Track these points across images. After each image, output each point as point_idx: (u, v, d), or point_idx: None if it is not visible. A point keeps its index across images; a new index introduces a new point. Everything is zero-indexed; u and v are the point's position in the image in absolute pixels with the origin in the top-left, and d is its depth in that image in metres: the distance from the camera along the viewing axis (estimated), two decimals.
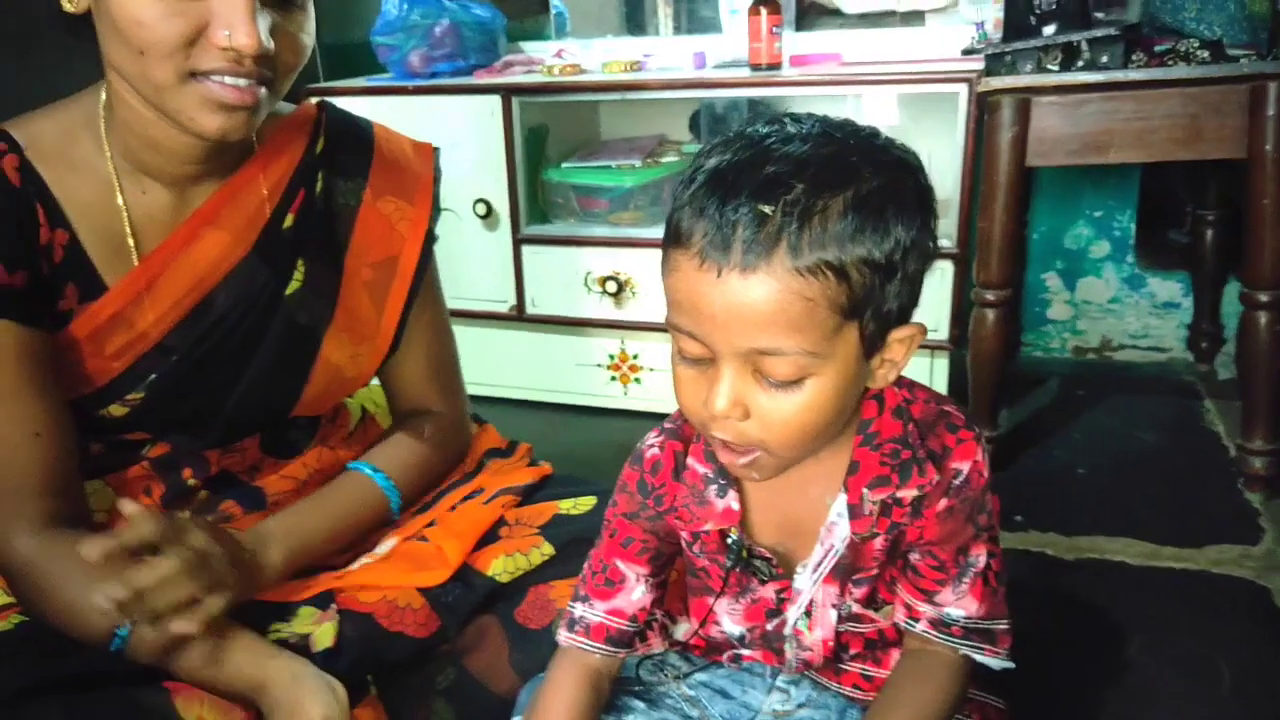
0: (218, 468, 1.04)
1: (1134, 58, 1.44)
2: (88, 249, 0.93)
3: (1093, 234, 2.13)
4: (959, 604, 0.80)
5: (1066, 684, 1.15)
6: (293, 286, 1.01)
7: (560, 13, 2.32)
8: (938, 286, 1.69)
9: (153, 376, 0.95)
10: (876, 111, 1.74)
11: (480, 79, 1.98)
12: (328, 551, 1.01)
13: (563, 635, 0.87)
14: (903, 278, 0.67)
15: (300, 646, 0.91)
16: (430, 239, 1.11)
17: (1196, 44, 1.43)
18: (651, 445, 0.85)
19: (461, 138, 1.89)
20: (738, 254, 0.63)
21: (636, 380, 2.00)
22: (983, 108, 1.48)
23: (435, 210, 1.11)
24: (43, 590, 0.88)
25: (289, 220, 1.00)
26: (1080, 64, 1.42)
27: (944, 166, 1.69)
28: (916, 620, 0.81)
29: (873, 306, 0.67)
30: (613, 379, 2.03)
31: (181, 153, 0.92)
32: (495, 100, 1.88)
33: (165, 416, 0.98)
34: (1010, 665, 0.81)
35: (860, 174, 0.65)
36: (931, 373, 1.76)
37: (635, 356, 1.99)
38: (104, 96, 0.93)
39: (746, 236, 0.63)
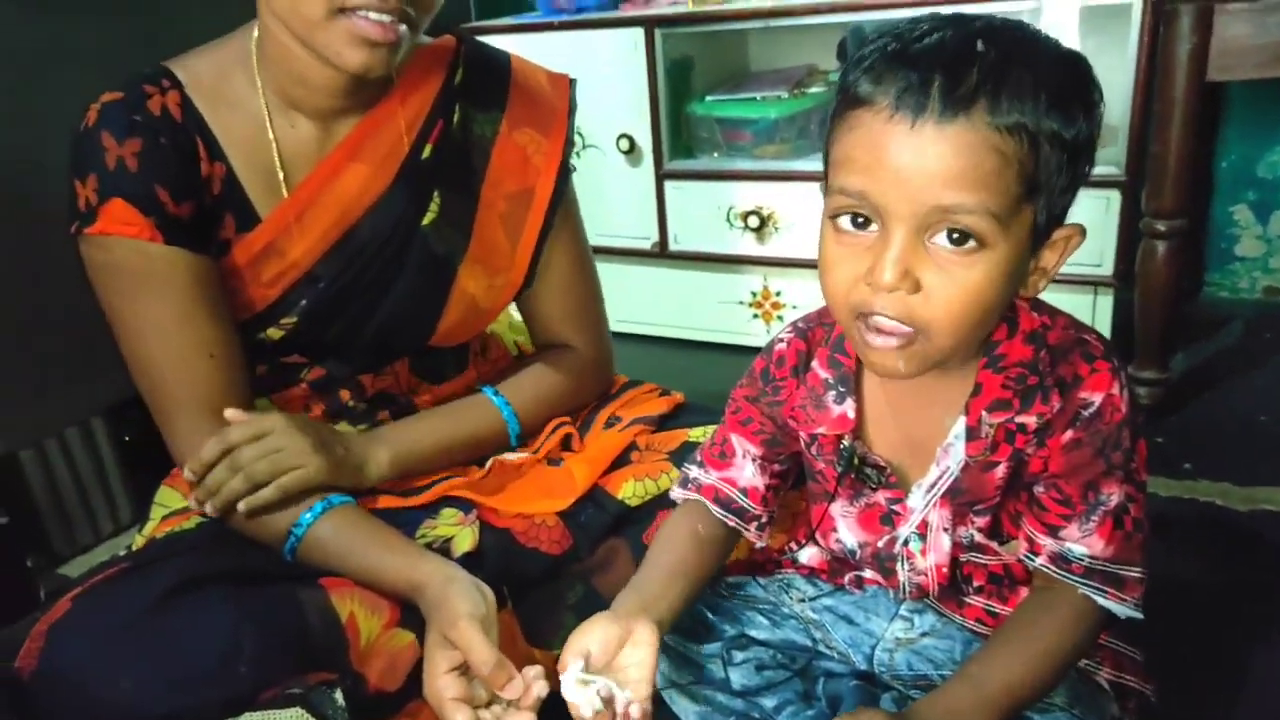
0: (373, 390, 1.10)
1: None
2: (243, 181, 0.99)
3: None
4: (1084, 541, 0.77)
5: (1227, 642, 1.07)
6: (429, 217, 1.05)
7: None
8: (1103, 217, 1.58)
9: (303, 302, 1.02)
10: (1045, 27, 1.62)
11: (625, 12, 1.98)
12: (439, 463, 1.07)
13: (676, 491, 0.93)
14: (1075, 172, 0.67)
15: (442, 550, 0.97)
16: (566, 171, 1.13)
17: None
18: (781, 339, 0.87)
19: (606, 72, 1.90)
20: (936, 104, 0.63)
21: (779, 318, 1.98)
22: (1159, 18, 1.36)
23: (569, 143, 1.13)
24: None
25: (427, 151, 1.04)
26: None
27: (1115, 87, 1.56)
28: (1037, 554, 0.79)
29: (1048, 192, 0.66)
30: (755, 316, 2.01)
31: (326, 86, 0.97)
32: (639, 33, 1.87)
33: (316, 340, 1.05)
34: (1138, 615, 0.77)
35: (1046, 54, 0.67)
36: (1094, 311, 1.65)
37: (778, 294, 1.97)
38: (256, 35, 0.98)
39: (945, 89, 0.63)
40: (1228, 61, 1.32)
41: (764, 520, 0.91)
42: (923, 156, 0.63)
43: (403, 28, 0.90)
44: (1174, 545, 1.20)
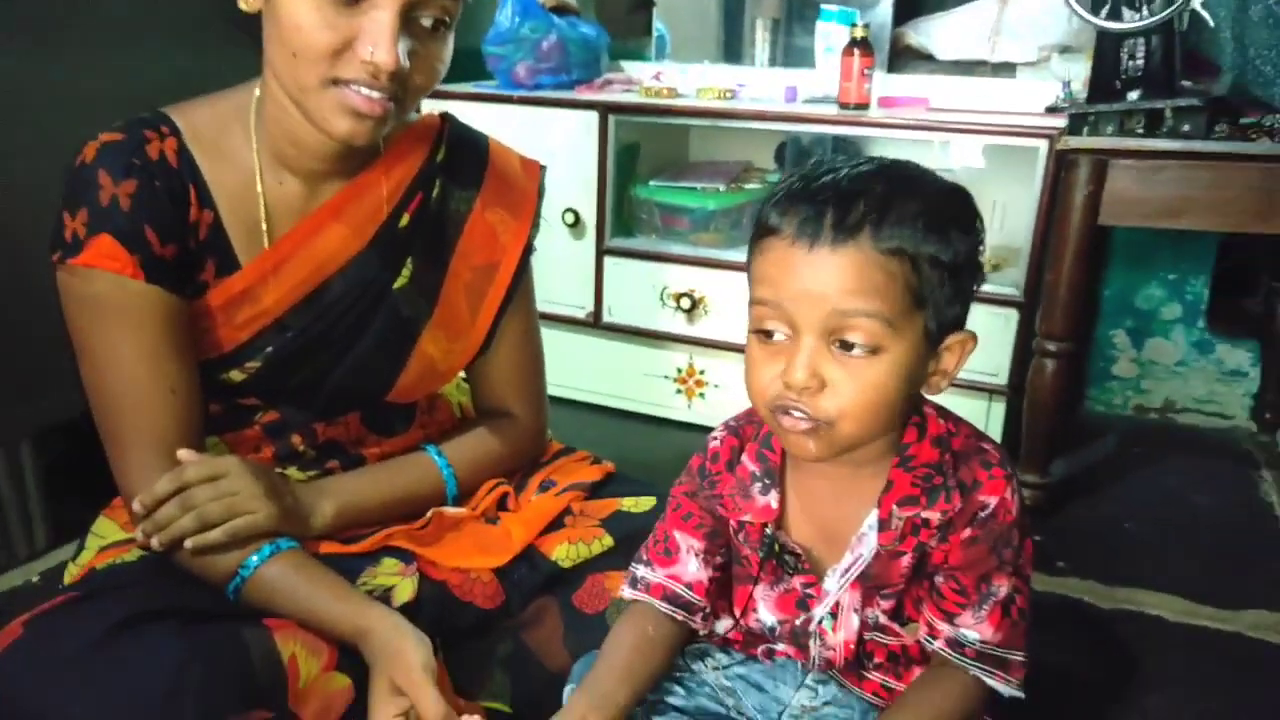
0: (324, 437, 1.14)
1: (1217, 128, 1.48)
2: (228, 229, 1.03)
3: (1165, 295, 2.15)
4: (976, 628, 0.86)
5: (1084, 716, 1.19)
6: (400, 281, 1.11)
7: (661, 36, 2.42)
8: (1001, 332, 1.74)
9: (270, 349, 1.06)
10: (957, 158, 1.80)
11: (581, 94, 2.08)
12: (379, 518, 1.11)
13: (626, 590, 0.98)
14: (958, 287, 0.78)
15: (383, 598, 1.01)
16: (528, 251, 1.20)
17: None
18: (715, 437, 0.96)
19: (558, 148, 2.00)
20: (829, 233, 0.75)
21: (701, 395, 2.08)
22: (1061, 164, 1.53)
23: (535, 225, 1.21)
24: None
25: (404, 220, 1.10)
26: (1165, 130, 1.47)
27: (1019, 217, 1.74)
28: (935, 638, 0.88)
29: (934, 303, 0.77)
30: (678, 391, 2.11)
31: (316, 150, 1.03)
32: (593, 116, 1.98)
33: (276, 385, 1.09)
34: (1019, 695, 0.87)
35: (927, 188, 0.79)
36: (988, 416, 1.80)
37: (702, 372, 2.07)
38: (257, 93, 1.04)
39: (835, 220, 0.75)
40: (1118, 209, 1.50)
41: (707, 611, 0.97)
42: (820, 274, 0.76)
43: (390, 104, 0.96)
44: (1045, 635, 1.32)
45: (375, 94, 0.94)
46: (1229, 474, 1.93)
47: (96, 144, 0.98)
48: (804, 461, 0.88)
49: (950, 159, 1.77)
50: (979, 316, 1.90)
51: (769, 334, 0.80)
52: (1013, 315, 1.73)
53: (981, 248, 0.82)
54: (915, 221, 0.76)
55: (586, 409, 2.16)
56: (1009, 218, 1.87)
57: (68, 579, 1.06)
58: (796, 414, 0.79)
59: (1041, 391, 1.61)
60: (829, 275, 0.76)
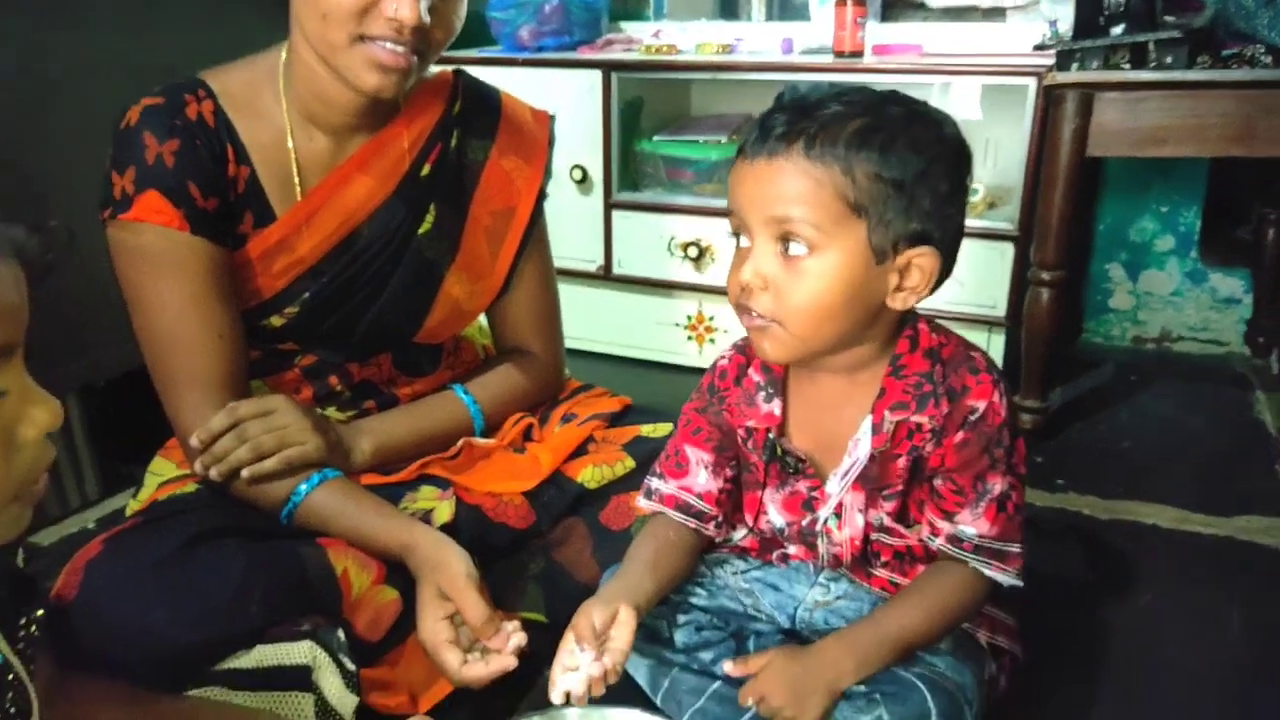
0: (359, 378, 1.23)
1: (1199, 60, 1.53)
2: (263, 183, 1.11)
3: (1158, 228, 2.21)
4: (974, 523, 0.94)
5: (1084, 618, 1.27)
6: (424, 227, 1.19)
7: None
8: (998, 266, 1.80)
9: (306, 294, 1.14)
10: (950, 101, 1.85)
11: (583, 54, 2.14)
12: (414, 454, 1.19)
13: (642, 501, 1.06)
14: (911, 202, 0.84)
15: (423, 520, 1.10)
16: (542, 195, 1.28)
17: (1263, 49, 1.51)
18: (723, 357, 1.04)
19: (563, 108, 2.02)
20: (768, 146, 0.84)
21: (711, 340, 2.16)
22: (1049, 100, 1.59)
23: (548, 171, 1.28)
24: None
25: (426, 169, 1.18)
26: (1149, 64, 1.52)
27: (1011, 156, 1.80)
28: (936, 536, 0.96)
29: (878, 215, 0.83)
30: (689, 338, 2.18)
31: (343, 106, 1.10)
32: (596, 75, 2.04)
33: (312, 330, 1.17)
34: (1018, 583, 0.95)
35: (885, 111, 0.85)
36: (988, 347, 1.87)
37: (711, 318, 2.14)
38: (285, 55, 1.11)
39: (778, 134, 0.84)
40: (1104, 141, 1.56)
41: (719, 519, 1.05)
42: (759, 182, 0.85)
43: (414, 58, 1.03)
44: (1046, 547, 1.40)
45: (400, 48, 1.02)
46: (1223, 396, 1.99)
47: (139, 108, 1.05)
48: (794, 369, 0.96)
49: (947, 109, 1.82)
50: (978, 251, 1.96)
51: (739, 240, 0.89)
52: (1008, 249, 1.79)
53: (959, 173, 0.87)
54: (854, 138, 0.82)
55: (601, 359, 2.23)
56: (1001, 156, 1.93)
57: (129, 513, 1.15)
58: (753, 313, 0.88)
59: (1037, 319, 1.67)
60: (765, 183, 0.84)
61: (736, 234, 0.90)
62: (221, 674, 0.91)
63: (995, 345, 1.87)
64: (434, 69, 1.20)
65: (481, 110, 1.23)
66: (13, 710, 0.65)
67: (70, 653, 0.85)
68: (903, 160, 0.83)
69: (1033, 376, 1.73)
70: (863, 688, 0.89)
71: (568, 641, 0.89)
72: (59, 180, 1.39)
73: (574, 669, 0.88)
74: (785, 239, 0.85)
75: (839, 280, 0.85)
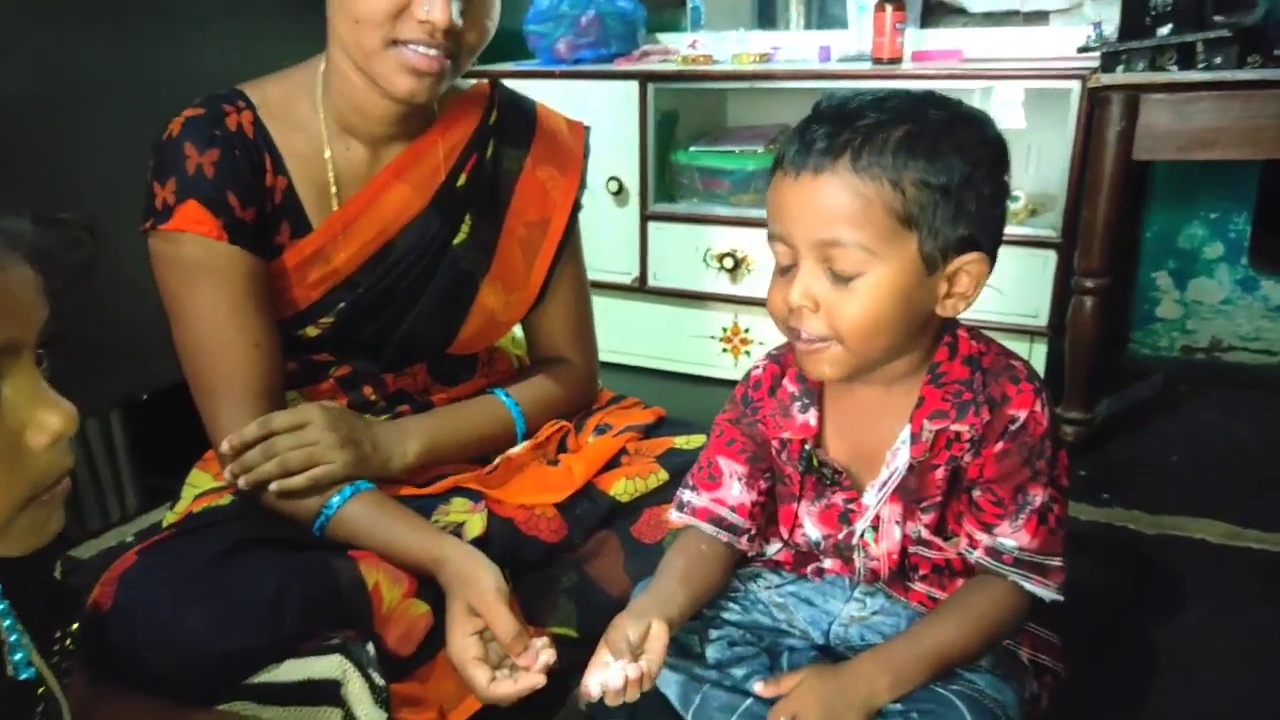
0: (394, 388, 1.23)
1: (1249, 59, 1.49)
2: (300, 194, 1.12)
3: (1207, 235, 2.16)
4: (1013, 536, 0.91)
5: (1129, 636, 1.24)
6: (460, 237, 1.19)
7: (696, 6, 2.47)
8: (1040, 274, 1.76)
9: (341, 305, 1.14)
10: (992, 108, 1.82)
11: (620, 66, 2.14)
12: (457, 456, 1.19)
13: (674, 514, 1.04)
14: (959, 207, 0.81)
15: (455, 533, 1.09)
16: (577, 206, 1.27)
17: None
18: (758, 366, 1.02)
19: (599, 119, 2.03)
20: (812, 161, 0.80)
21: (747, 353, 2.14)
22: (1094, 103, 1.56)
23: (583, 182, 1.28)
24: None
25: (462, 179, 1.18)
26: (1198, 64, 1.48)
27: (1054, 162, 1.77)
28: (974, 548, 0.93)
29: (927, 225, 0.81)
30: (724, 350, 2.17)
31: (379, 115, 1.11)
32: (633, 86, 2.04)
33: (348, 340, 1.17)
34: (1059, 598, 0.92)
35: (926, 116, 0.82)
36: (1029, 357, 1.83)
37: (747, 330, 2.13)
38: (322, 68, 1.12)
39: (820, 148, 0.80)
40: (1150, 144, 1.52)
41: (753, 533, 1.03)
42: (804, 202, 0.82)
43: (447, 62, 1.04)
44: (1092, 561, 1.37)
45: (432, 51, 1.02)
46: (1276, 407, 1.94)
47: (181, 120, 1.07)
48: (833, 382, 0.94)
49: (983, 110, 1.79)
50: (1019, 259, 1.92)
51: (785, 262, 0.86)
52: (1050, 257, 1.75)
53: (1001, 174, 0.84)
54: (900, 146, 0.79)
55: (635, 372, 2.23)
56: (1044, 163, 1.89)
57: (165, 525, 1.16)
58: (803, 335, 0.85)
59: (1082, 328, 1.64)
60: (811, 202, 0.81)
61: (780, 263, 0.87)
62: (251, 688, 0.91)
63: (1037, 355, 1.83)
64: (470, 80, 1.20)
65: (517, 121, 1.24)
66: None
67: (105, 664, 0.86)
68: (949, 165, 0.81)
69: (1076, 387, 1.70)
70: (899, 706, 0.87)
71: (601, 654, 0.88)
72: (103, 193, 1.41)
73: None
74: (830, 264, 0.83)
75: (892, 294, 0.83)
